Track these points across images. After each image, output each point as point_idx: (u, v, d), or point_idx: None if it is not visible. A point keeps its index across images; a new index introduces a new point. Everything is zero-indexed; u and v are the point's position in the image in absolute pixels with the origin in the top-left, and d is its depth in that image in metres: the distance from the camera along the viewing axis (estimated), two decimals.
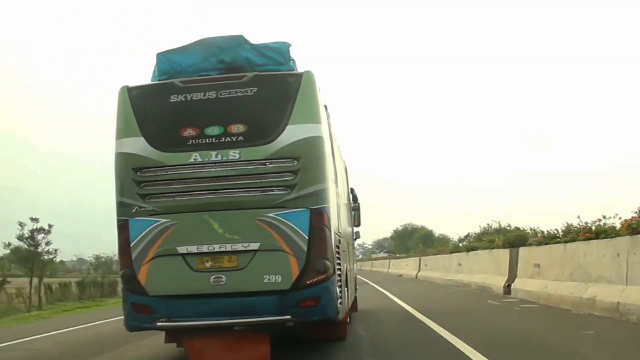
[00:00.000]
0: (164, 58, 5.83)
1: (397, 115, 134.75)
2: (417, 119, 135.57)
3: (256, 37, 5.84)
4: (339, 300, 5.52)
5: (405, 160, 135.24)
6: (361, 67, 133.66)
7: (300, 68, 5.84)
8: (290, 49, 5.86)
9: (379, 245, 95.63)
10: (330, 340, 6.38)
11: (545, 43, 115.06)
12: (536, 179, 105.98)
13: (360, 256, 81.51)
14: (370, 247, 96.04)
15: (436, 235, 73.89)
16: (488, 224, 25.26)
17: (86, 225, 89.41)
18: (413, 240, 73.65)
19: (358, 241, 11.63)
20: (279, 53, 5.80)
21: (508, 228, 22.02)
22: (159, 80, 5.78)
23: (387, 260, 43.05)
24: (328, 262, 5.27)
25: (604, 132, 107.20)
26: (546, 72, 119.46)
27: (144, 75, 6.14)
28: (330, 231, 5.39)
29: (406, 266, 30.38)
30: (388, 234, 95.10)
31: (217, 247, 5.21)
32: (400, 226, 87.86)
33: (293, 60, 5.91)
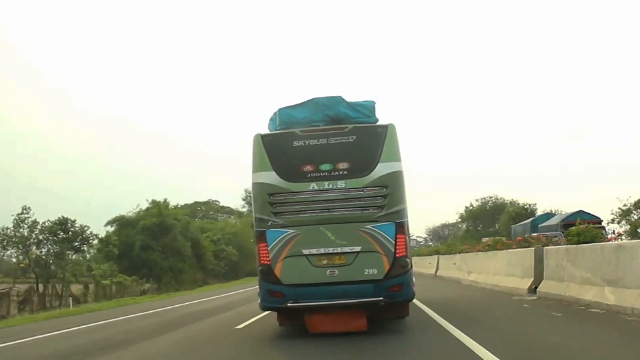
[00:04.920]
0: (284, 112, 8.07)
1: (430, 102, 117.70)
2: (452, 105, 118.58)
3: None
4: (414, 287, 7.69)
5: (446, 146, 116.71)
6: (403, 57, 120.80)
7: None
8: (375, 106, 8.11)
9: (434, 234, 74.13)
10: (398, 318, 8.30)
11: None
12: None
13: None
14: (421, 240, 71.58)
15: (539, 212, 51.60)
16: None
17: None
18: (502, 222, 52.32)
19: None
20: (367, 109, 8.05)
21: None
22: (280, 129, 8.02)
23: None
24: (408, 260, 7.46)
25: None
26: None
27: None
28: (408, 237, 7.60)
29: None
30: (449, 219, 74.25)
31: (330, 250, 7.39)
32: (477, 200, 62.29)
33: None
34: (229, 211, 74.03)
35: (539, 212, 52.17)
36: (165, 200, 48.06)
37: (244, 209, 73.24)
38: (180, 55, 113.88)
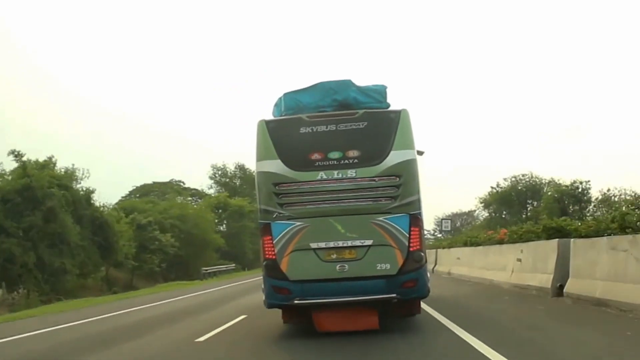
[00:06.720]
0: (289, 97, 7.50)
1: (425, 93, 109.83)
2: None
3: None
4: (429, 282, 7.37)
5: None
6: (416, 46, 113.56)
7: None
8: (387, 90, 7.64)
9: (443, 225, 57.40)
10: (409, 316, 7.95)
11: None
12: None
13: None
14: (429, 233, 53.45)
15: (595, 195, 38.17)
16: None
17: None
18: (545, 205, 39.40)
19: None
20: (378, 93, 7.57)
21: None
22: (285, 114, 7.46)
23: None
24: (422, 254, 7.11)
25: None
26: None
27: None
28: (423, 230, 7.24)
29: None
30: (462, 207, 66.10)
31: (340, 243, 6.94)
32: (505, 180, 47.76)
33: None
34: (194, 193, 68.50)
35: (593, 192, 38.59)
36: (50, 159, 30.56)
37: (211, 190, 68.68)
38: (180, 55, 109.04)
